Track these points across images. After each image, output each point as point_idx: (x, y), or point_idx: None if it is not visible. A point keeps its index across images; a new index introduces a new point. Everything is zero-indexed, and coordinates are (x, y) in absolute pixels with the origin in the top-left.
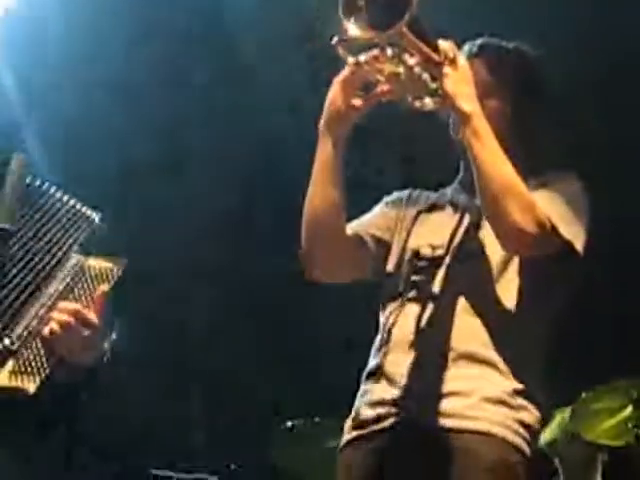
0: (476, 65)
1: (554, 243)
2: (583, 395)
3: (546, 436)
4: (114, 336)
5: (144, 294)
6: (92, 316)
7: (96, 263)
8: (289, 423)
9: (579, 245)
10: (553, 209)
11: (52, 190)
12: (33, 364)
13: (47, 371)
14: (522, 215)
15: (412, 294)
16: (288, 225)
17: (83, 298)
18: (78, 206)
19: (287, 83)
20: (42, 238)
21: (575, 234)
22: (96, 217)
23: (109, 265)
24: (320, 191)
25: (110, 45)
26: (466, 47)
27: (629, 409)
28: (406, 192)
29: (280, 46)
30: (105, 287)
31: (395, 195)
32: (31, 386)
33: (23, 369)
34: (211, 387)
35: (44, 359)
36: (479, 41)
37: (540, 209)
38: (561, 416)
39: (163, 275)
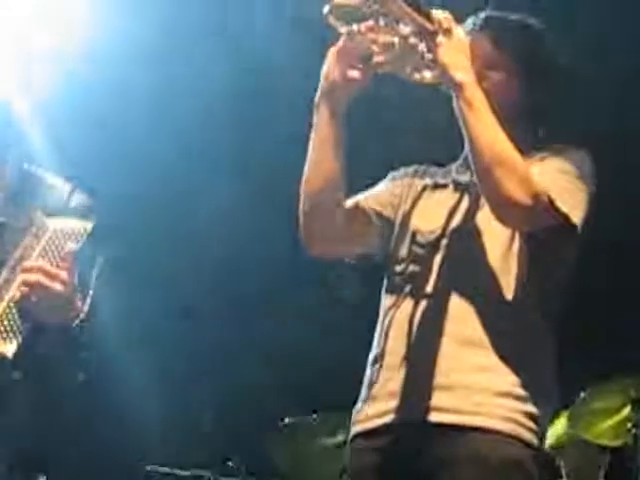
0: (480, 38)
1: (551, 216)
2: (581, 395)
3: (551, 437)
4: (91, 294)
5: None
6: (61, 272)
7: (63, 224)
8: (285, 420)
9: (576, 218)
10: (551, 182)
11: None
12: (8, 328)
13: (23, 333)
14: (516, 186)
15: (409, 287)
16: None
17: (50, 257)
18: (47, 176)
19: None
20: (8, 207)
21: (573, 207)
22: (65, 185)
23: (77, 224)
24: (318, 165)
25: None
26: (470, 20)
27: (627, 409)
28: (412, 168)
29: None
30: (72, 245)
31: (401, 171)
32: (9, 349)
33: None
34: (209, 384)
35: (18, 321)
36: (483, 14)
37: (536, 181)
38: (565, 417)
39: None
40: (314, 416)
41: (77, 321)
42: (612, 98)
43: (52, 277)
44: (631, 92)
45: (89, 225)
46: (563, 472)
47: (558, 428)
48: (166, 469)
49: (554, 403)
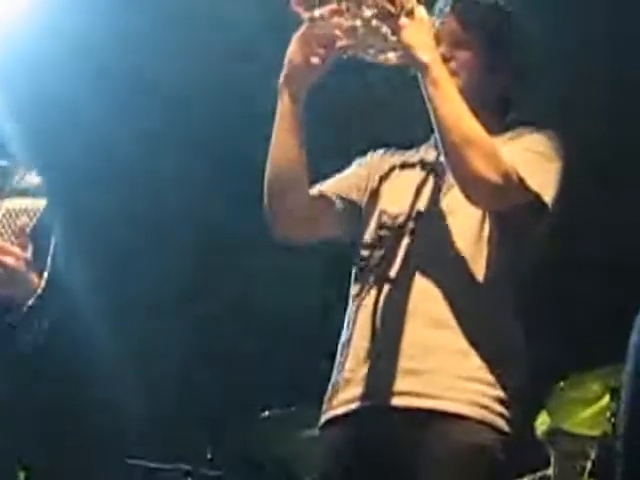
0: (448, 18)
1: (521, 195)
2: (560, 384)
3: (540, 426)
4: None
5: None
6: (14, 248)
7: (16, 203)
8: (265, 413)
9: (547, 197)
10: (520, 161)
11: None
12: None
13: None
14: (484, 164)
15: (377, 271)
16: None
17: (4, 234)
18: None
19: None
20: None
21: (543, 186)
22: (16, 166)
23: (30, 203)
24: (282, 147)
25: None
26: (440, 3)
27: (606, 398)
28: (380, 150)
29: None
30: (25, 220)
31: (368, 155)
32: None
33: None
34: (186, 377)
35: None
36: None
37: (504, 159)
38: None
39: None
40: (292, 408)
41: (34, 295)
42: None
43: (5, 253)
44: None
45: (42, 203)
46: (552, 461)
47: (546, 417)
48: (147, 462)
49: (524, 388)
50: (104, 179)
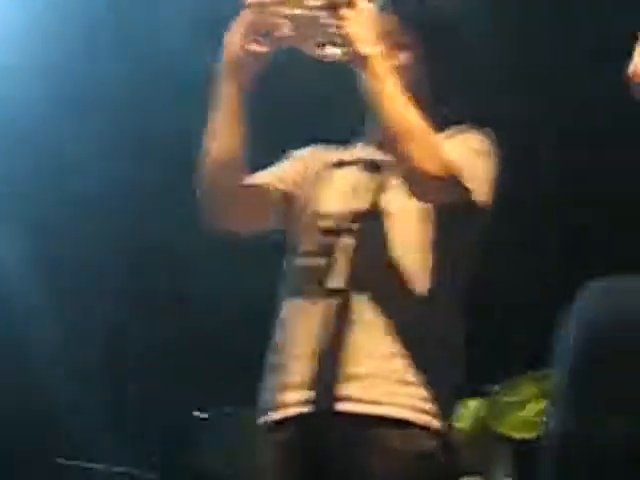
0: (388, 16)
1: (458, 190)
2: (496, 387)
3: (459, 424)
4: None
5: None
6: None
7: None
8: (202, 414)
9: (480, 195)
10: (458, 157)
11: None
12: None
13: None
14: (425, 156)
15: (314, 279)
16: None
17: None
18: None
19: None
20: None
21: (480, 184)
22: None
23: None
24: (223, 138)
25: None
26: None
27: (541, 402)
28: (315, 146)
29: None
30: None
31: (303, 149)
32: None
33: None
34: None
35: None
36: None
37: (445, 153)
38: (474, 405)
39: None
40: (228, 409)
41: None
42: None
43: None
44: None
45: None
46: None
47: (467, 416)
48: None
49: (460, 391)
50: None
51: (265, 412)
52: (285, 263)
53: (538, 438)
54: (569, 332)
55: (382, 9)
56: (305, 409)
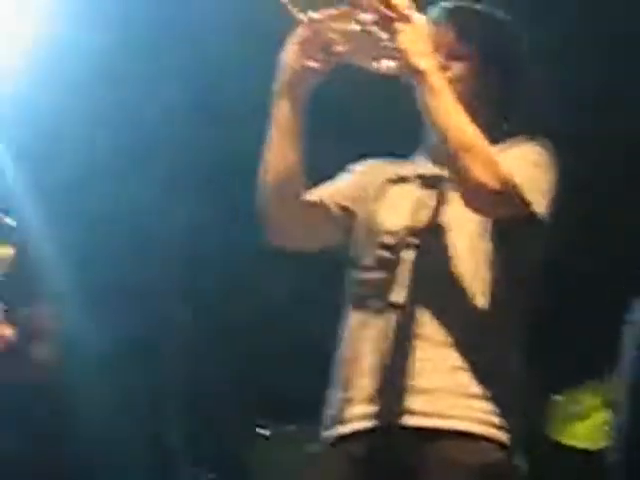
0: (444, 28)
1: (517, 203)
2: (557, 398)
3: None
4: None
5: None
6: None
7: None
8: (265, 431)
9: (539, 208)
10: (516, 170)
11: None
12: None
13: None
14: (483, 170)
15: (379, 291)
16: None
17: None
18: None
19: None
20: None
21: (538, 197)
22: None
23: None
24: (280, 155)
25: None
26: (434, 10)
27: (604, 412)
28: (373, 160)
29: None
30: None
31: (361, 163)
32: None
33: None
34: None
35: None
36: (446, 4)
37: (503, 166)
38: (536, 416)
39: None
40: (292, 427)
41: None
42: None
43: None
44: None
45: (10, 252)
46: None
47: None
48: None
49: (524, 404)
50: None
51: (330, 426)
52: (347, 277)
53: (601, 448)
54: (633, 342)
55: (437, 21)
56: (370, 423)
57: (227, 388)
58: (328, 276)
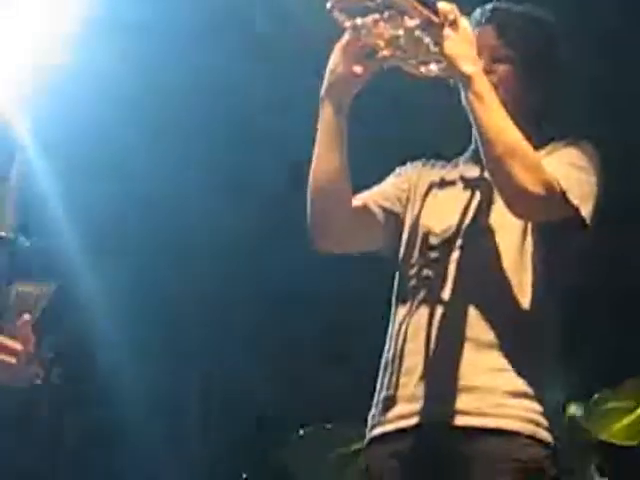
0: (486, 31)
1: (563, 207)
2: (595, 395)
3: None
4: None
5: None
6: (15, 344)
7: (22, 289)
8: (300, 431)
9: (585, 211)
10: (561, 174)
11: None
12: None
13: None
14: (528, 175)
15: (423, 291)
16: None
17: (9, 325)
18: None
19: None
20: None
21: (582, 200)
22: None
23: (36, 291)
24: (324, 159)
25: None
26: (477, 13)
27: None
28: (419, 163)
29: None
30: (27, 316)
31: (407, 166)
32: None
33: None
34: (216, 393)
35: None
36: (489, 6)
37: (547, 170)
38: (575, 412)
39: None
40: (328, 425)
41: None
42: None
43: (7, 351)
44: None
45: (48, 293)
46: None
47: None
48: None
49: (558, 401)
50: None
51: (375, 425)
52: (394, 278)
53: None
54: None
55: (479, 23)
56: (414, 422)
57: (260, 386)
58: (376, 276)
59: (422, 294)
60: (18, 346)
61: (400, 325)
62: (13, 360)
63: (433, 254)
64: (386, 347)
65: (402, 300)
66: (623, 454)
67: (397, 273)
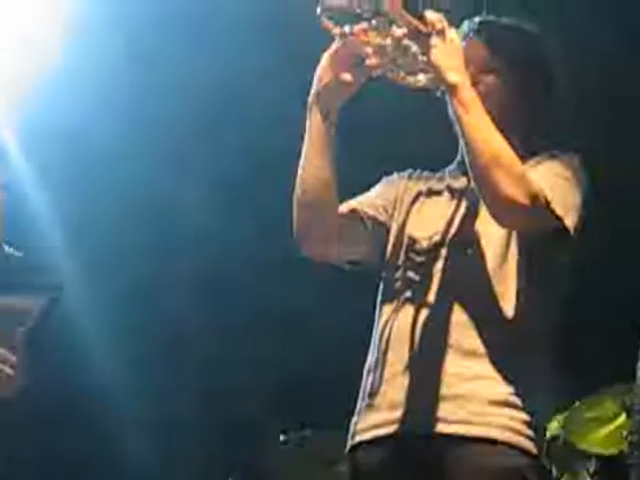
0: (474, 42)
1: (547, 217)
2: (576, 404)
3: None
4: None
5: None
6: (11, 356)
7: (15, 303)
8: (282, 437)
9: (569, 222)
10: (547, 185)
11: None
12: None
13: None
14: (512, 185)
15: (408, 294)
16: None
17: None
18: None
19: None
20: None
21: (568, 211)
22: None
23: (28, 305)
24: (312, 167)
25: None
26: (465, 24)
27: (622, 417)
28: (405, 172)
29: None
30: (22, 328)
31: (394, 175)
32: None
33: None
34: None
35: None
36: (477, 18)
37: (533, 181)
38: (556, 422)
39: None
40: (307, 431)
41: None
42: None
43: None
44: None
45: (43, 307)
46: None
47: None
48: None
49: (547, 410)
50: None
51: (356, 432)
52: (379, 288)
53: (621, 453)
54: None
55: (467, 35)
56: (396, 430)
57: (248, 392)
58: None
59: (405, 299)
60: (13, 357)
61: (383, 330)
62: (12, 372)
63: (419, 258)
64: (369, 352)
65: (386, 303)
66: (618, 460)
67: (382, 277)
